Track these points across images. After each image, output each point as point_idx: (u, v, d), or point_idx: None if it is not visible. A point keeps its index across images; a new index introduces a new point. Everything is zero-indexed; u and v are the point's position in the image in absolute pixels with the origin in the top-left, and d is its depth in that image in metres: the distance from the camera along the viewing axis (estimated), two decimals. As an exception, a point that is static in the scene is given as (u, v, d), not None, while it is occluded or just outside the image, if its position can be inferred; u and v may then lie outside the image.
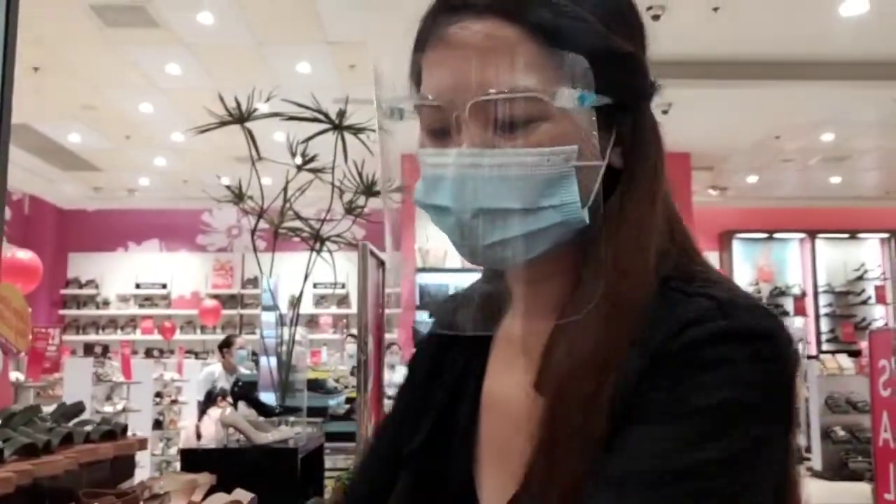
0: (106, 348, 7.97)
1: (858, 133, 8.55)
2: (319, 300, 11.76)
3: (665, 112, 6.06)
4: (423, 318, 9.24)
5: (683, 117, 6.88)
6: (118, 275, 12.12)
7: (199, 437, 5.20)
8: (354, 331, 3.60)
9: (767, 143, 8.84)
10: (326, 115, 3.04)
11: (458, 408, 0.80)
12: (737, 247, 11.50)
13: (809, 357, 8.86)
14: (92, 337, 11.62)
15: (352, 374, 4.77)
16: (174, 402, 8.35)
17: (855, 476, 7.17)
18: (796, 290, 11.47)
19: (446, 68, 0.67)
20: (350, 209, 3.23)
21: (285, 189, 3.11)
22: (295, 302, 3.28)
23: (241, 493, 2.19)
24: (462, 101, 0.66)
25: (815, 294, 11.46)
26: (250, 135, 3.09)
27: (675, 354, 0.62)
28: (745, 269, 11.46)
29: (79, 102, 7.83)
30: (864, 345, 7.09)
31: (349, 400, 4.17)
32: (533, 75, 0.64)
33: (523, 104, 0.65)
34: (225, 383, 6.30)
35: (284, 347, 3.17)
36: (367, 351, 2.53)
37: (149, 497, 1.95)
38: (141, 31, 6.24)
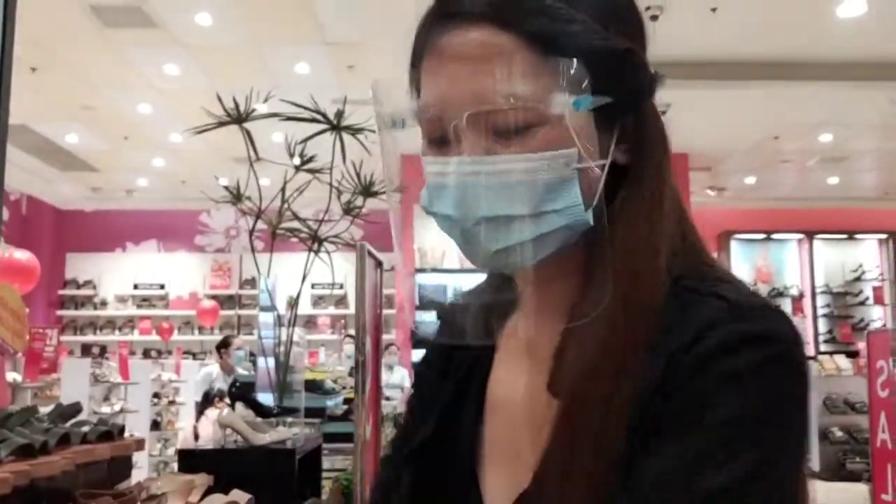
0: (103, 349, 7.96)
1: (856, 134, 8.56)
2: (317, 301, 11.75)
3: (663, 112, 5.95)
4: (422, 319, 9.26)
5: (681, 118, 6.89)
6: (116, 275, 12.11)
7: (196, 437, 5.19)
8: (352, 331, 3.59)
9: (765, 143, 8.85)
10: (325, 116, 3.04)
11: (463, 406, 0.80)
12: (735, 247, 11.51)
13: (807, 358, 8.86)
14: (89, 337, 11.61)
15: (350, 374, 4.77)
16: (172, 402, 8.35)
17: (853, 477, 7.17)
18: (794, 291, 11.48)
19: (442, 78, 0.67)
20: (348, 210, 3.23)
21: (283, 189, 3.11)
22: (293, 302, 3.28)
23: (239, 494, 2.19)
24: (459, 111, 0.66)
25: (813, 295, 11.46)
26: (248, 135, 3.09)
27: (692, 366, 0.62)
28: (743, 269, 11.47)
29: (77, 103, 7.83)
30: (861, 345, 7.09)
31: (347, 401, 4.16)
32: (528, 82, 0.64)
33: (520, 112, 0.65)
34: (223, 384, 6.30)
35: (282, 348, 3.17)
36: (365, 351, 2.53)
37: (146, 498, 1.94)
38: (139, 31, 6.23)
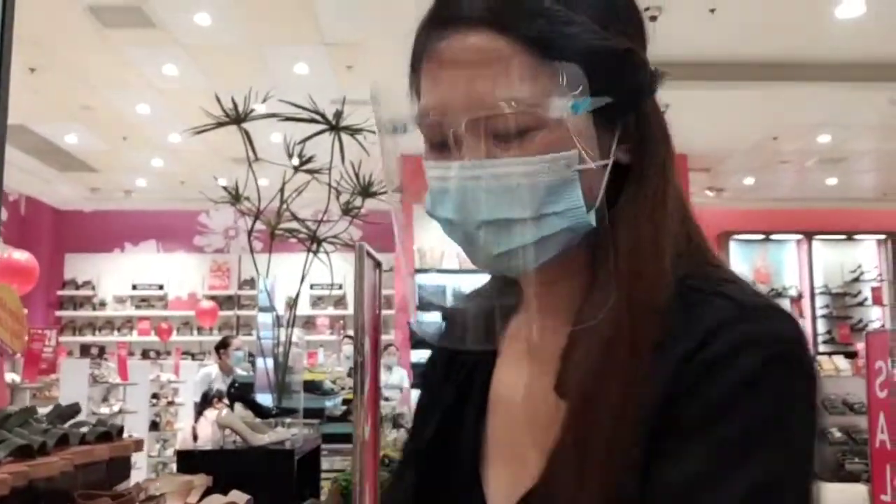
0: (102, 349, 7.95)
1: (855, 135, 8.56)
2: (316, 301, 11.75)
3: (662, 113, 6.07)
4: (421, 319, 9.23)
5: (680, 119, 6.78)
6: (115, 276, 12.10)
7: (195, 438, 5.18)
8: (351, 332, 3.59)
9: (764, 144, 8.85)
10: (323, 116, 3.04)
11: (465, 406, 0.81)
12: (734, 248, 11.51)
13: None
14: (88, 338, 11.60)
15: (348, 375, 4.77)
16: (170, 403, 8.35)
17: (851, 477, 7.18)
18: (793, 292, 11.48)
19: (441, 83, 0.67)
20: (347, 210, 3.23)
21: (282, 190, 3.11)
22: (291, 303, 3.28)
23: (238, 495, 2.18)
24: (458, 117, 0.66)
25: (812, 295, 11.47)
26: (247, 136, 3.09)
27: (702, 370, 0.62)
28: (742, 270, 11.42)
29: (76, 103, 7.82)
30: (860, 346, 7.10)
31: (346, 401, 4.16)
32: (526, 86, 0.64)
33: (519, 116, 0.64)
34: (221, 385, 6.30)
35: (281, 349, 3.17)
36: (364, 352, 2.53)
37: (145, 499, 1.94)
38: (138, 31, 6.23)
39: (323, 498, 3.16)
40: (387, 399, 5.99)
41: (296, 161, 3.13)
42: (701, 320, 0.63)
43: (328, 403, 4.04)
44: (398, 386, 8.05)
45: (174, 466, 2.80)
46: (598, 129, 0.67)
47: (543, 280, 0.73)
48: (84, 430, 1.98)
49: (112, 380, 6.81)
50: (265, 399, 3.19)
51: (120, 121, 8.35)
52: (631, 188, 0.70)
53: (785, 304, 11.80)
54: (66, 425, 1.99)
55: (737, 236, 11.48)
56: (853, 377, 7.68)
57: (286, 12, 5.89)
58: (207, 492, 2.17)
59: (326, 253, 3.18)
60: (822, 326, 11.43)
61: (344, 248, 3.17)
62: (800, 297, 11.45)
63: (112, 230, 12.14)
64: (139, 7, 5.81)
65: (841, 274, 11.60)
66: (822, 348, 10.90)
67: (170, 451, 7.74)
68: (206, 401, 5.66)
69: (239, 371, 6.41)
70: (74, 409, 2.11)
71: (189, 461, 2.60)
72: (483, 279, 0.87)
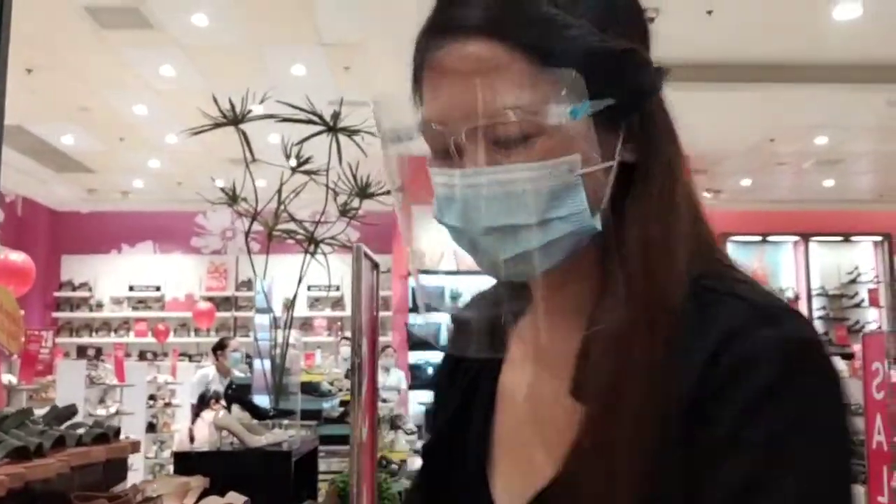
0: (99, 351, 7.96)
1: (852, 136, 8.58)
2: (314, 303, 11.74)
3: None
4: (416, 321, 9.26)
5: (678, 120, 6.88)
6: (112, 277, 12.09)
7: (192, 440, 5.18)
8: (349, 333, 3.59)
9: (761, 146, 8.86)
10: (321, 117, 3.03)
11: (473, 407, 0.81)
12: (731, 249, 11.51)
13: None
14: (85, 339, 11.59)
15: (346, 376, 4.77)
16: (167, 404, 8.34)
17: (848, 479, 7.18)
18: (790, 293, 11.49)
19: (441, 93, 0.67)
20: (345, 211, 3.22)
21: (279, 191, 3.10)
22: (289, 304, 3.27)
23: (235, 497, 2.18)
24: (458, 126, 0.66)
25: (809, 297, 11.48)
26: (244, 137, 3.08)
27: (726, 375, 0.61)
28: (740, 271, 11.47)
29: (73, 104, 7.81)
30: (857, 348, 7.10)
31: (343, 403, 4.16)
32: (525, 94, 0.64)
33: (518, 123, 0.64)
34: (219, 386, 6.30)
35: (278, 350, 3.17)
36: (362, 354, 2.52)
37: (141, 500, 1.94)
38: (135, 32, 6.22)
39: (320, 500, 3.16)
40: (384, 401, 5.99)
41: (293, 162, 3.13)
42: (717, 321, 0.63)
43: (325, 405, 4.04)
44: (396, 387, 8.05)
45: (171, 468, 2.79)
46: (601, 130, 0.66)
47: (552, 283, 0.72)
48: (81, 431, 1.97)
49: (109, 381, 6.81)
50: (262, 400, 3.19)
51: (117, 122, 8.34)
52: (637, 188, 0.69)
53: (782, 305, 11.95)
54: (63, 427, 1.98)
55: (734, 238, 11.49)
56: (850, 379, 7.68)
57: (284, 13, 5.89)
58: (204, 493, 2.16)
59: (324, 254, 3.18)
60: (818, 328, 11.40)
61: (341, 249, 3.17)
62: (797, 298, 11.46)
63: (109, 231, 12.12)
64: (136, 8, 5.81)
65: (838, 275, 11.62)
66: (819, 350, 10.90)
67: (167, 453, 7.73)
68: (203, 402, 5.66)
69: (236, 372, 6.40)
70: (71, 411, 2.11)
71: (186, 463, 2.60)
72: (482, 280, 0.87)
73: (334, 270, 3.13)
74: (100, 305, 12.06)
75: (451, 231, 0.70)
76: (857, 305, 11.44)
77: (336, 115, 3.04)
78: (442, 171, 0.69)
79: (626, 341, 0.65)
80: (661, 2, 5.20)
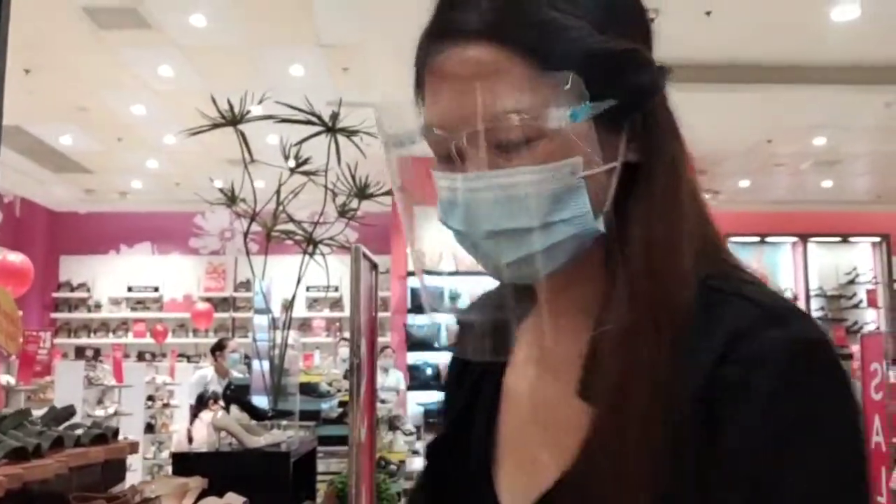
0: (97, 352, 7.96)
1: (850, 137, 8.58)
2: (312, 303, 11.74)
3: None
4: (422, 322, 9.25)
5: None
6: (110, 278, 12.08)
7: (190, 440, 5.17)
8: (347, 334, 3.59)
9: (760, 147, 8.87)
10: (319, 118, 3.03)
11: (478, 406, 0.82)
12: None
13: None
14: (83, 340, 11.57)
15: (344, 377, 4.76)
16: (166, 405, 8.32)
17: (847, 479, 7.18)
18: (788, 294, 11.50)
19: (441, 98, 0.67)
20: (343, 212, 3.22)
21: (278, 192, 3.11)
22: (287, 305, 3.27)
23: (233, 497, 2.18)
24: (459, 130, 0.66)
25: (807, 298, 11.49)
26: (243, 137, 3.08)
27: (737, 377, 0.61)
28: (738, 272, 11.47)
29: (71, 104, 7.80)
30: (855, 348, 7.11)
31: (342, 403, 4.16)
32: (525, 98, 0.64)
33: (518, 127, 0.64)
34: (217, 387, 6.29)
35: (277, 351, 3.17)
36: (360, 354, 2.52)
37: (140, 501, 1.94)
38: (133, 32, 6.22)
39: (319, 500, 3.16)
40: (383, 401, 5.99)
41: (292, 163, 3.13)
42: (724, 322, 0.63)
43: (324, 406, 4.04)
44: (394, 388, 8.05)
45: (169, 469, 2.79)
46: (603, 131, 0.66)
47: (556, 284, 0.72)
48: (79, 432, 1.97)
49: (107, 382, 6.80)
50: (261, 401, 3.19)
51: (115, 122, 8.33)
52: (641, 187, 0.69)
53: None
54: (61, 427, 1.98)
55: (732, 239, 11.49)
56: (848, 379, 7.69)
57: (282, 14, 5.89)
58: (203, 494, 2.16)
59: (323, 255, 3.18)
60: (817, 328, 11.45)
61: (340, 250, 3.17)
62: (795, 299, 11.47)
63: (107, 232, 12.11)
64: (134, 8, 5.81)
65: (836, 276, 11.63)
66: (817, 350, 10.91)
67: (165, 454, 7.72)
68: (201, 403, 5.65)
69: (235, 373, 6.41)
70: (69, 412, 2.11)
71: (184, 463, 2.60)
72: (481, 281, 0.87)
73: (333, 271, 3.13)
74: (98, 306, 12.06)
75: (455, 234, 0.70)
76: (856, 306, 11.45)
77: (335, 116, 3.05)
78: (444, 175, 0.69)
79: (633, 342, 0.65)
80: (659, 2, 5.20)
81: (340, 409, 4.11)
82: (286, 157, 3.15)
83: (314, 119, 3.02)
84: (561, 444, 0.69)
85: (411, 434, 6.38)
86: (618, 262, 0.68)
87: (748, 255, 11.66)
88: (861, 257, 11.74)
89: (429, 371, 9.00)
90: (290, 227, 3.20)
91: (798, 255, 11.65)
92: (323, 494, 3.21)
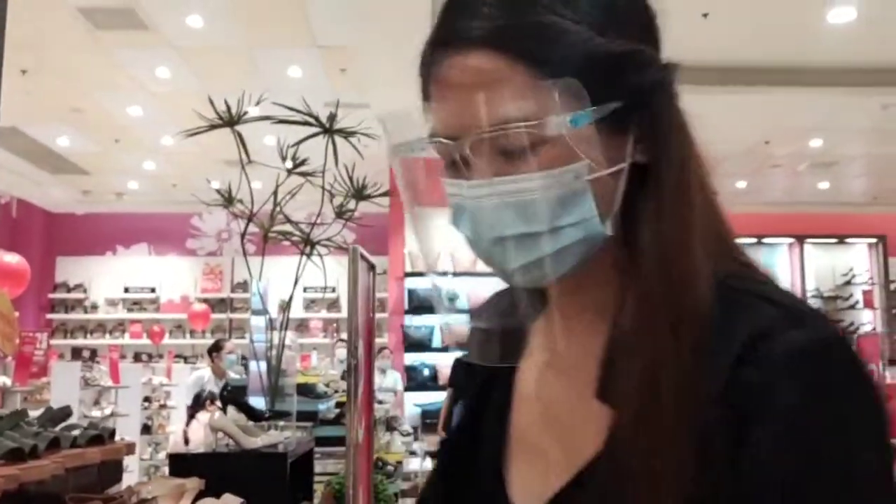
0: (94, 352, 7.93)
1: (847, 139, 8.60)
2: (309, 304, 11.74)
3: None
4: (413, 323, 9.25)
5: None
6: (107, 279, 12.06)
7: (187, 441, 5.16)
8: (345, 335, 3.59)
9: (756, 148, 8.88)
10: (317, 119, 3.04)
11: (490, 405, 0.82)
12: (726, 252, 11.56)
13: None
14: (80, 341, 11.55)
15: (342, 378, 4.76)
16: (163, 406, 8.31)
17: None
18: (786, 295, 11.53)
19: (444, 106, 0.68)
20: (340, 213, 3.23)
21: (275, 193, 3.11)
22: (285, 306, 3.27)
23: (230, 499, 2.18)
24: (462, 138, 0.66)
25: (804, 298, 11.52)
26: (240, 138, 3.08)
27: (761, 380, 0.60)
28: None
29: (67, 105, 7.80)
30: (852, 349, 7.12)
31: (339, 404, 4.16)
32: (526, 105, 0.64)
33: (521, 134, 0.64)
34: (214, 387, 6.27)
35: (274, 352, 3.17)
36: (358, 355, 2.52)
37: (136, 502, 1.93)
38: (130, 33, 6.21)
39: (316, 501, 3.16)
40: (380, 402, 5.99)
41: (289, 164, 3.14)
42: (742, 323, 0.63)
43: (321, 406, 4.04)
44: (392, 389, 8.04)
45: (166, 470, 2.79)
46: (609, 133, 0.66)
47: (567, 287, 0.73)
48: (75, 433, 1.97)
49: (104, 383, 6.79)
50: (258, 402, 3.18)
51: (112, 123, 8.33)
52: (649, 187, 0.69)
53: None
54: (58, 428, 1.98)
55: (729, 240, 11.52)
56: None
57: (279, 15, 5.89)
58: (200, 495, 2.16)
59: (320, 256, 3.18)
60: (814, 329, 11.47)
61: (337, 250, 3.17)
62: (792, 300, 11.48)
63: (104, 233, 12.10)
64: (131, 9, 5.80)
65: (832, 277, 11.65)
66: (813, 351, 10.93)
67: (162, 455, 7.71)
68: (198, 403, 5.64)
69: (232, 374, 6.40)
70: (66, 413, 2.11)
71: (181, 464, 2.60)
72: (481, 281, 0.87)
73: (330, 272, 3.13)
74: (94, 307, 12.04)
75: (465, 240, 0.71)
76: (852, 307, 11.47)
77: (332, 117, 3.05)
78: (451, 182, 0.69)
79: (654, 343, 0.65)
80: (656, 5, 5.21)
81: (338, 410, 4.10)
82: (283, 158, 3.16)
83: (311, 120, 3.02)
84: (575, 445, 0.69)
85: (409, 435, 6.38)
86: (630, 262, 0.68)
87: (745, 257, 11.69)
88: (857, 258, 11.76)
89: (426, 372, 8.99)
90: (288, 227, 3.20)
91: (794, 256, 11.67)
92: (320, 495, 3.21)
